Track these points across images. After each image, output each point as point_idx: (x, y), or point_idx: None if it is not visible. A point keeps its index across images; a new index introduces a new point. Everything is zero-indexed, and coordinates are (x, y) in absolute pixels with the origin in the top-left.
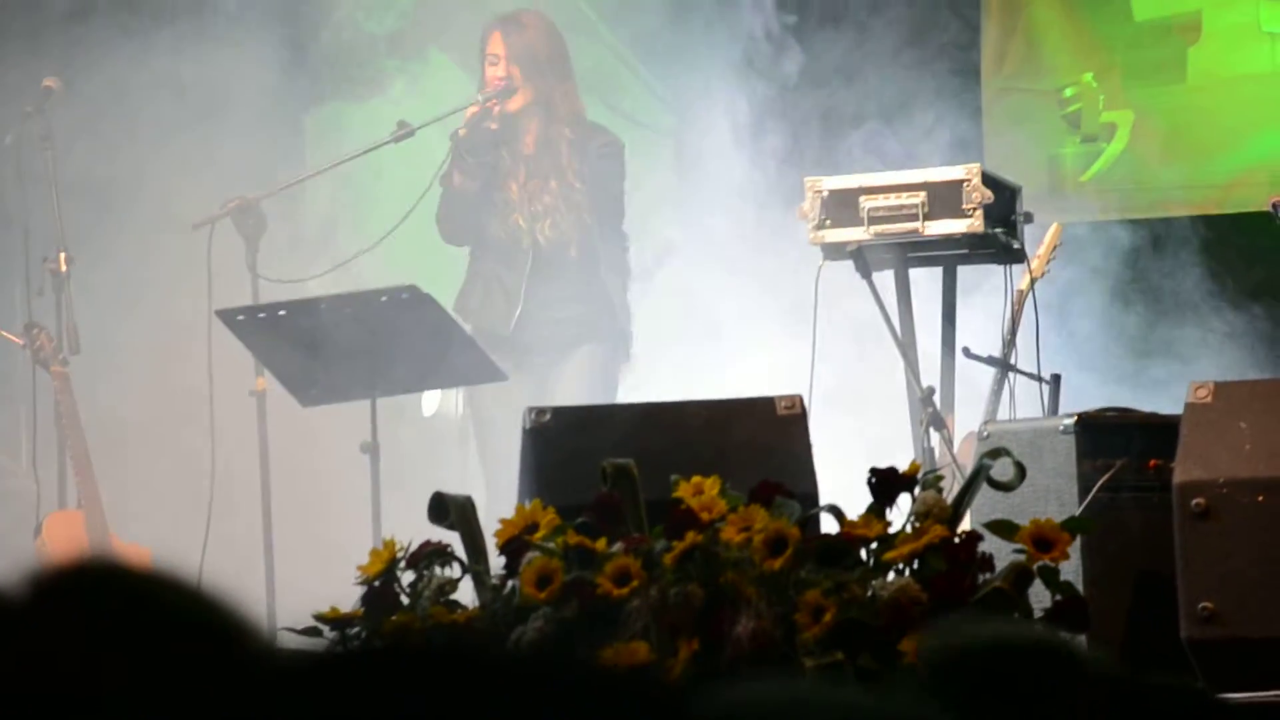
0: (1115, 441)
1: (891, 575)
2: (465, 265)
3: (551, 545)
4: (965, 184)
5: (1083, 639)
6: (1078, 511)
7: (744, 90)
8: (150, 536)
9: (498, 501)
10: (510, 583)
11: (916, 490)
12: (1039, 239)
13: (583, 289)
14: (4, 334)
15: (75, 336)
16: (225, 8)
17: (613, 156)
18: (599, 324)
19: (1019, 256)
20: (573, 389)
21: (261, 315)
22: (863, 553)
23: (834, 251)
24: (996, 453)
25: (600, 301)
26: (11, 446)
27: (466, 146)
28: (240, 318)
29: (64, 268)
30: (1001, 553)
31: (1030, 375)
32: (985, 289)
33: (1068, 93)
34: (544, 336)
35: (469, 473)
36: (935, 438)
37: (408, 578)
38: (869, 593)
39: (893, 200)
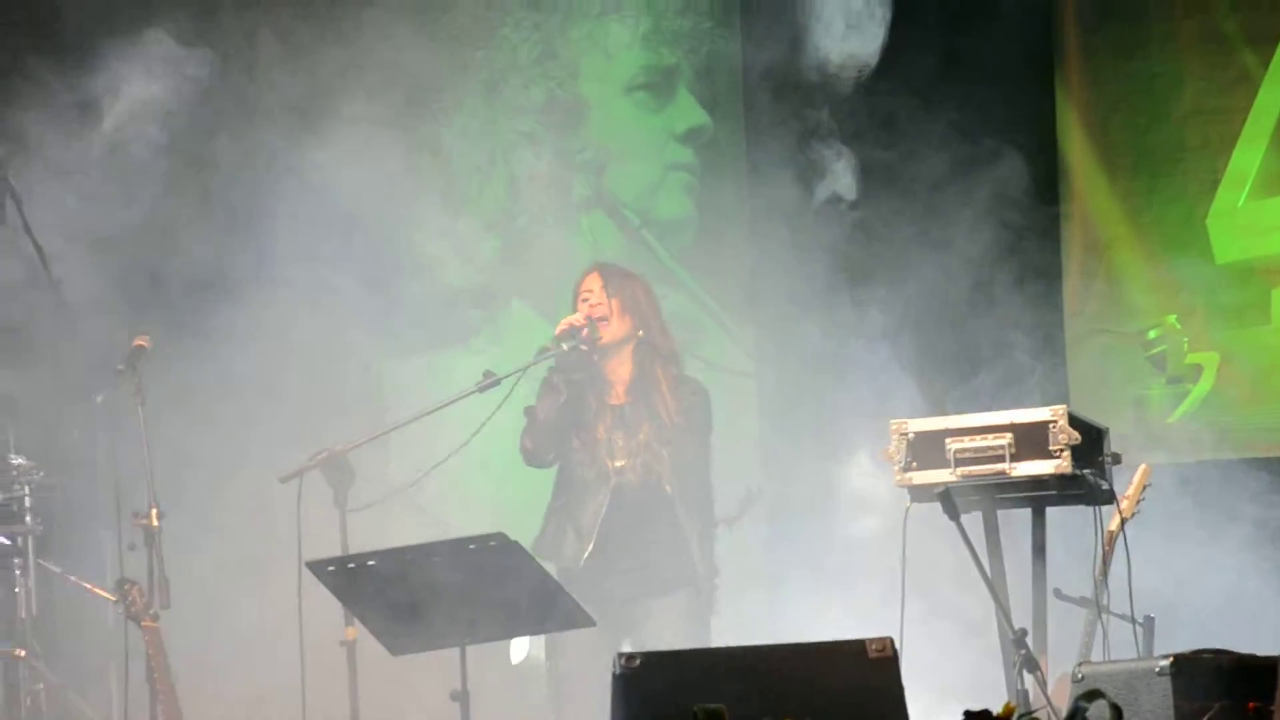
0: (1212, 683)
1: None
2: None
3: None
4: (1052, 425)
5: None
6: None
7: (824, 334)
8: None
9: None
10: None
11: None
12: (1128, 479)
13: (667, 532)
14: (96, 590)
15: (167, 591)
16: (311, 265)
17: (703, 407)
18: (683, 569)
19: (1108, 497)
20: (662, 636)
21: (351, 566)
22: None
23: (921, 493)
24: (1092, 695)
25: (685, 546)
26: (103, 702)
27: (556, 365)
28: (330, 569)
29: (155, 523)
30: None
31: (1123, 617)
32: (1075, 529)
33: (1152, 334)
34: (621, 578)
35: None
36: (1029, 679)
37: None
38: None
39: (979, 442)
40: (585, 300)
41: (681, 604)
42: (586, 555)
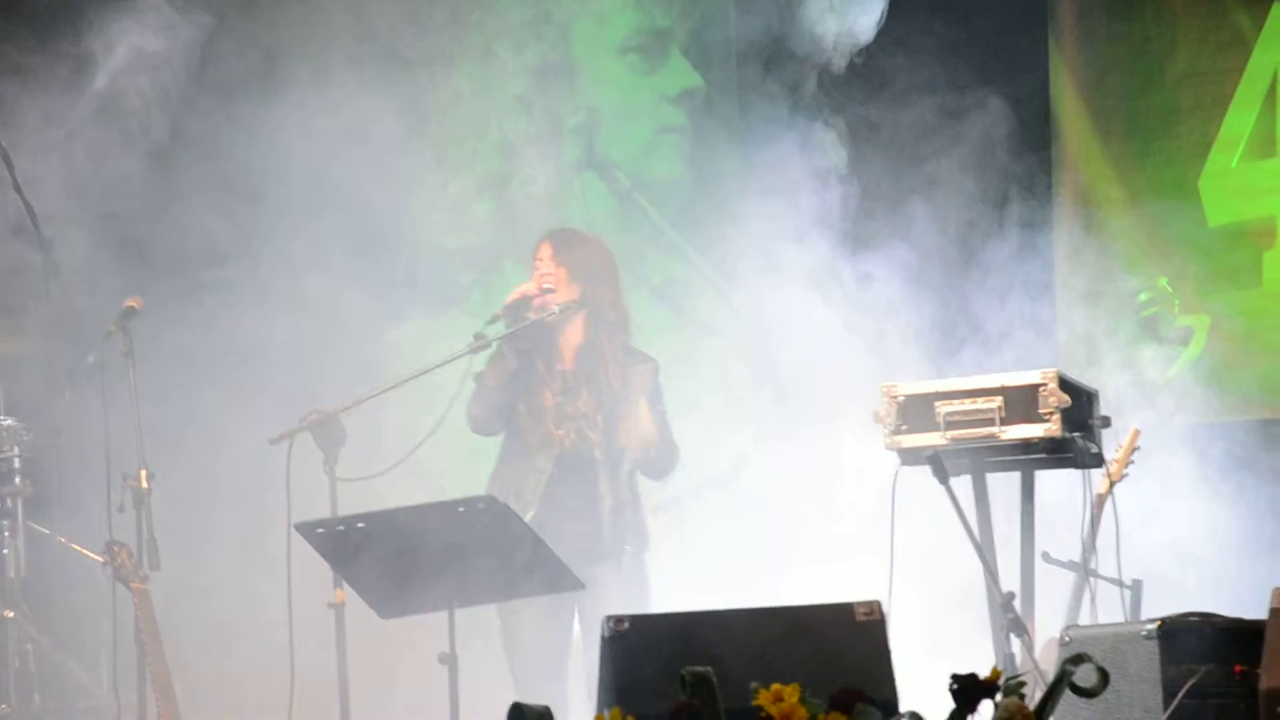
0: (1199, 647)
1: None
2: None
3: None
4: (1042, 388)
5: None
6: (1162, 718)
7: (819, 297)
8: None
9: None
10: None
11: (998, 696)
12: (1118, 442)
13: (601, 501)
14: (85, 552)
15: (156, 553)
16: (305, 228)
17: (649, 379)
18: (611, 537)
19: (1097, 461)
20: (604, 602)
21: (340, 528)
22: None
23: (911, 456)
24: (1079, 658)
25: (627, 512)
26: (92, 664)
27: (508, 334)
28: (320, 531)
29: (145, 484)
30: None
31: (1111, 580)
32: (1064, 492)
33: (1143, 297)
34: (563, 545)
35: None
36: (1016, 643)
37: None
38: None
39: (969, 405)
40: (537, 268)
41: (618, 571)
42: (529, 520)
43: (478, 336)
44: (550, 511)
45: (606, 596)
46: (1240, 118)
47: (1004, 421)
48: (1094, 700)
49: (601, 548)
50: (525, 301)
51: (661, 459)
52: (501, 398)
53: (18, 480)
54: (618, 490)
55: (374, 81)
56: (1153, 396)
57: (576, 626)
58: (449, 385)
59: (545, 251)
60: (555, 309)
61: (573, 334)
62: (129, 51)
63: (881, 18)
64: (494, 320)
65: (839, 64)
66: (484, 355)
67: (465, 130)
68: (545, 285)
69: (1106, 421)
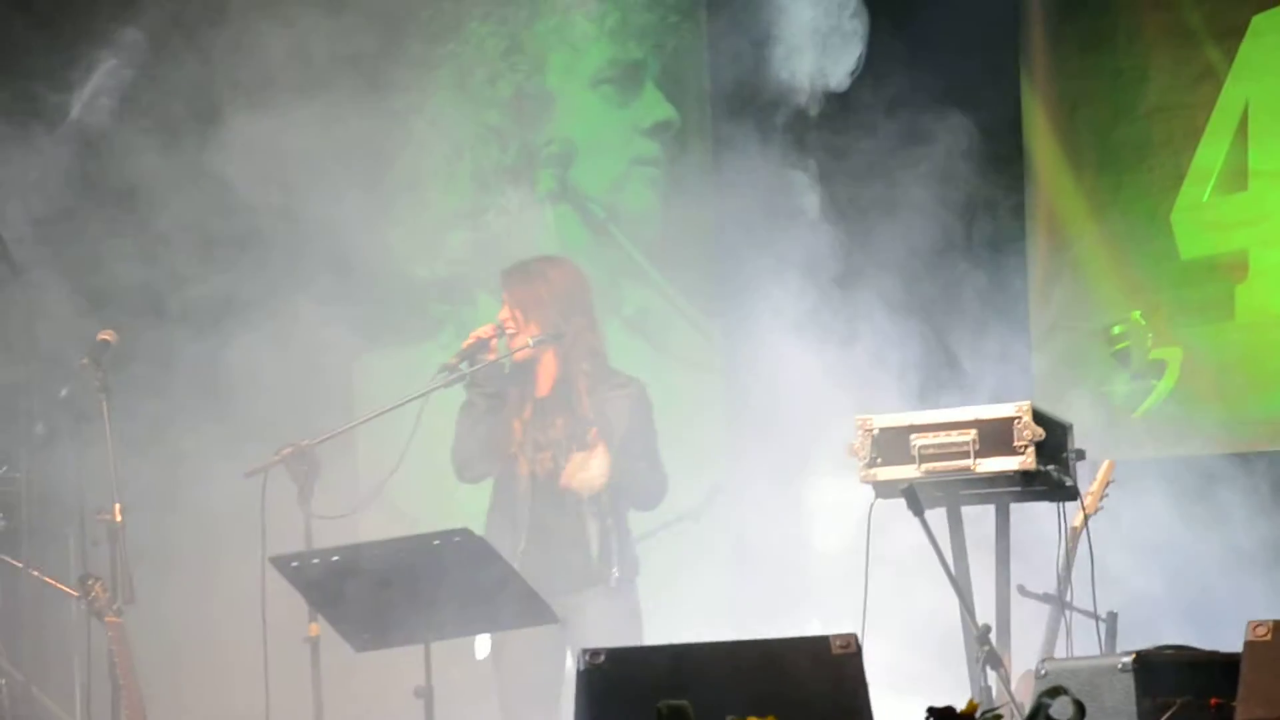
0: (1175, 679)
1: None
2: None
3: None
4: (1016, 421)
5: None
6: None
7: (793, 334)
8: None
9: None
10: None
11: None
12: (1092, 475)
13: (575, 529)
14: (59, 585)
15: (130, 586)
16: (278, 260)
17: (626, 406)
18: (590, 566)
19: (1072, 494)
20: (587, 633)
21: (315, 561)
22: None
23: (886, 489)
24: (1055, 691)
25: (614, 538)
26: (65, 699)
27: (470, 381)
28: (294, 564)
29: (119, 518)
30: None
31: (1086, 613)
32: (1039, 525)
33: (1116, 330)
34: (552, 574)
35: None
36: (992, 676)
37: None
38: None
39: (943, 438)
40: (500, 309)
41: (606, 598)
42: (520, 551)
43: (441, 371)
44: (539, 540)
45: (597, 624)
46: (1212, 151)
47: (978, 454)
48: None
49: (589, 575)
50: (482, 344)
51: (648, 489)
52: (478, 441)
53: None
54: (602, 517)
55: (347, 111)
56: (1127, 429)
57: (570, 656)
58: (426, 418)
59: (503, 293)
60: (528, 343)
61: (549, 363)
62: (104, 81)
63: (857, 66)
64: (448, 369)
65: (813, 108)
66: (456, 392)
67: (438, 161)
68: (508, 329)
69: (1081, 454)
